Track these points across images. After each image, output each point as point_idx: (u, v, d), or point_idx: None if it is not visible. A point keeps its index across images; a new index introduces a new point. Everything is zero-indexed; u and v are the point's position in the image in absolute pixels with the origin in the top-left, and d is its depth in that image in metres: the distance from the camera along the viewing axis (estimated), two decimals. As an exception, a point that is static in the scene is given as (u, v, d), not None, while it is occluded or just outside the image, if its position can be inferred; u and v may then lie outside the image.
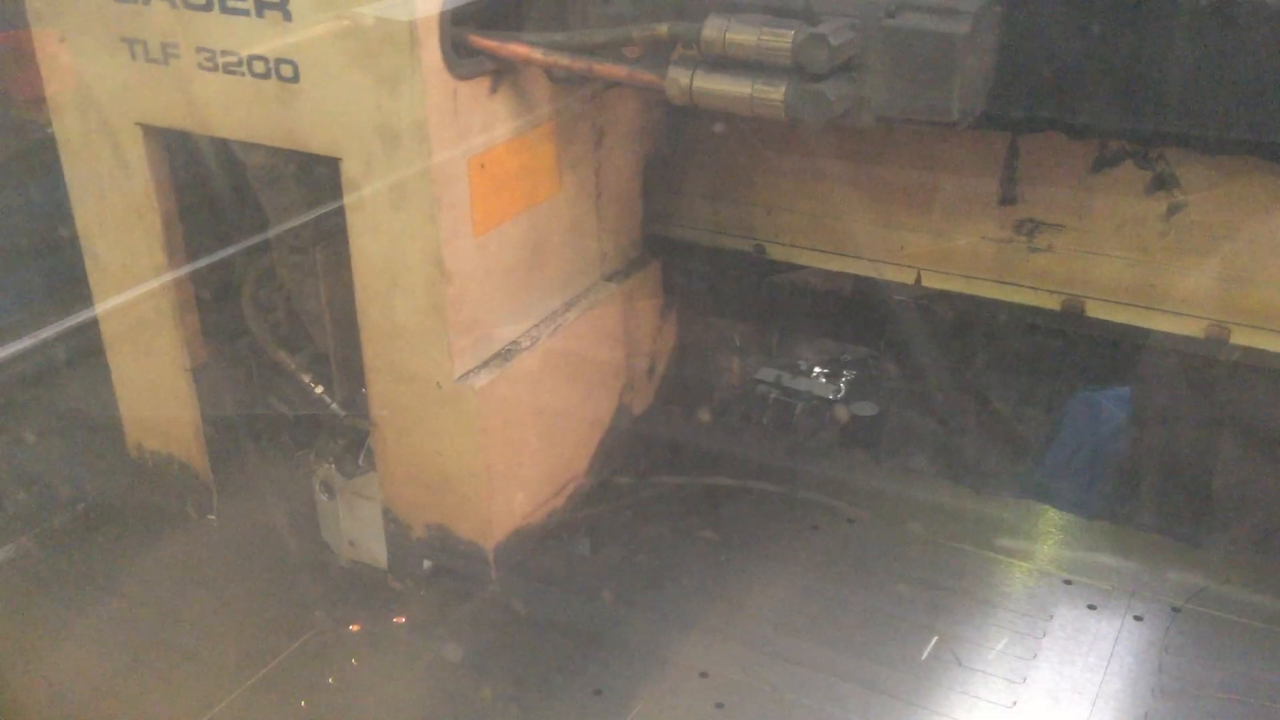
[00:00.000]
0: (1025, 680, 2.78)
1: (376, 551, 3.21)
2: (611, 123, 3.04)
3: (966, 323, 3.12)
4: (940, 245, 3.03)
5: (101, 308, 3.13)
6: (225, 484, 3.26)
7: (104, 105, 2.81)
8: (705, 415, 3.62)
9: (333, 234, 2.74)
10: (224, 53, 2.55)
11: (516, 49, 2.50)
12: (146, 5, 2.61)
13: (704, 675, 2.77)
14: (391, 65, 2.38)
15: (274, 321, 2.99)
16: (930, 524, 3.21)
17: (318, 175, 2.69)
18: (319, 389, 3.00)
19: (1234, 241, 2.71)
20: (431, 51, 2.37)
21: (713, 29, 2.33)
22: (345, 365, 2.90)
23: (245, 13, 2.48)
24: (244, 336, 3.06)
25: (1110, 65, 2.47)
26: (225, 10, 2.50)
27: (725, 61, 2.37)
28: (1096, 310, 2.93)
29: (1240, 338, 2.78)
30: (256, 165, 2.71)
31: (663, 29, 2.41)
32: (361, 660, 2.87)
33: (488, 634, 2.90)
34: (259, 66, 2.52)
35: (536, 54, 2.50)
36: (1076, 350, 3.04)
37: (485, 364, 2.74)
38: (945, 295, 3.08)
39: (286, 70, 2.49)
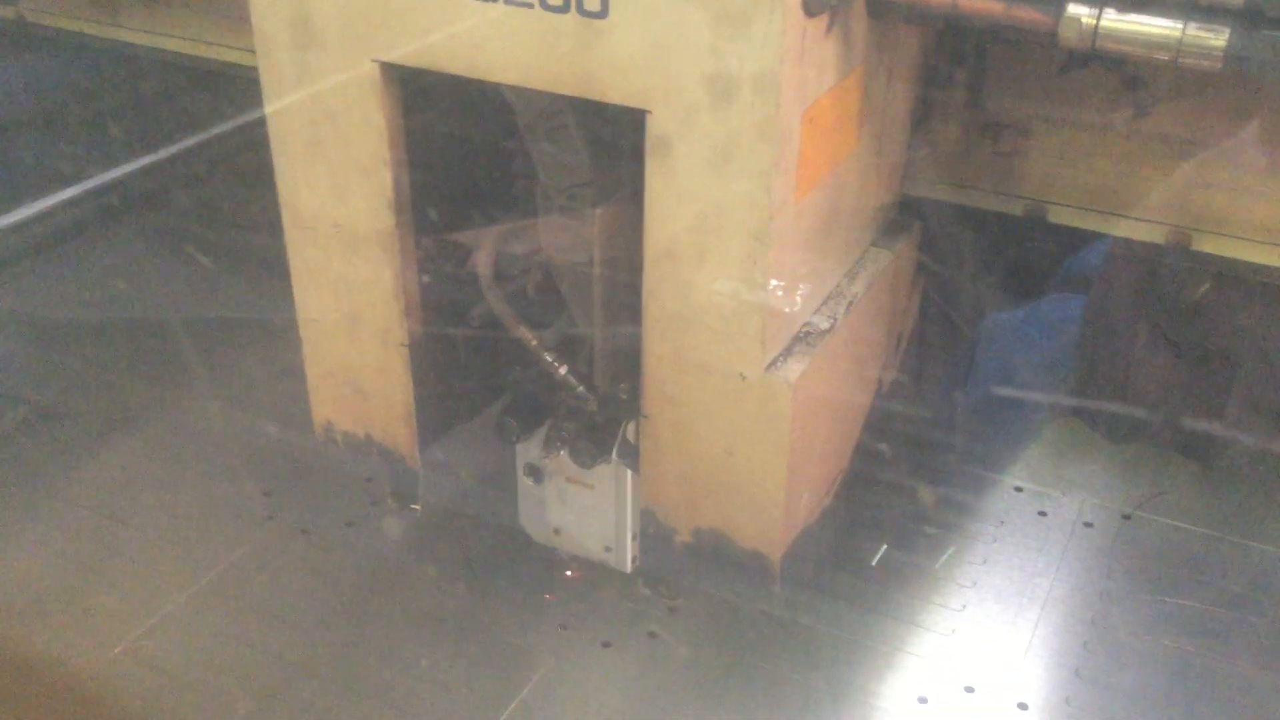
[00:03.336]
0: (975, 584, 2.86)
1: (586, 542, 2.94)
2: (898, 63, 2.62)
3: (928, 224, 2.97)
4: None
5: (299, 279, 2.71)
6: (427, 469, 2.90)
7: (331, 37, 2.36)
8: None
9: (617, 195, 2.33)
10: (518, -20, 2.11)
11: (871, -21, 2.07)
12: (405, -81, 2.16)
13: None
14: (741, 1, 1.95)
15: (513, 292, 2.58)
16: (876, 428, 3.11)
17: (606, 125, 2.27)
18: (563, 369, 2.61)
19: (1200, 147, 2.62)
20: (794, -17, 1.94)
21: (1140, -41, 1.92)
22: (609, 347, 2.51)
23: (547, -70, 2.04)
24: (473, 307, 2.65)
25: None
26: (519, -73, 2.06)
27: (1142, -1, 1.96)
28: (1059, 216, 2.81)
29: (1202, 244, 2.69)
30: (535, 113, 2.27)
31: (1061, -42, 2.00)
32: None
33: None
34: (556, -3, 2.08)
35: (893, -14, 2.08)
36: (1038, 256, 2.99)
37: (789, 351, 2.35)
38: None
39: (592, 3, 2.05)
